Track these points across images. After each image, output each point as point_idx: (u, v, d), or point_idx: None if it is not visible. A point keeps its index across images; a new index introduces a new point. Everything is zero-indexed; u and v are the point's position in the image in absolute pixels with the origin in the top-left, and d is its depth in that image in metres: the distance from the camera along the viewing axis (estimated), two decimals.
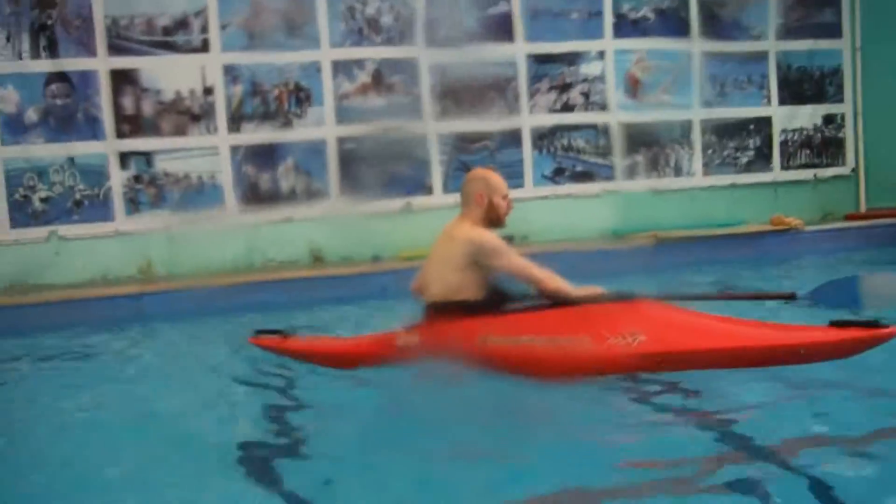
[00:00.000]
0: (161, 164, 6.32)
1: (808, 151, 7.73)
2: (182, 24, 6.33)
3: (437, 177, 6.75)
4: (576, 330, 2.96)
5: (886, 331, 2.73)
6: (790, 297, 3.46)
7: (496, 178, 3.33)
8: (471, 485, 2.06)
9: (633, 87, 7.22)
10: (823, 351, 2.81)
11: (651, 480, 2.06)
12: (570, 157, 7.09)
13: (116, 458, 2.46)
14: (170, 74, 6.31)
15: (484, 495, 2.01)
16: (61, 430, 2.88)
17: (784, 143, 7.65)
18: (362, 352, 3.37)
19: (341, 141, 6.57)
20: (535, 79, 6.98)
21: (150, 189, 6.31)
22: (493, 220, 3.27)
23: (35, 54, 6.09)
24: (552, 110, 7.02)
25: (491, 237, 3.21)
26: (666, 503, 1.93)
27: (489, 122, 6.80)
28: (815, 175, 7.74)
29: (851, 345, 2.78)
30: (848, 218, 7.41)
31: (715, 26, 7.35)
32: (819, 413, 2.49)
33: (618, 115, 7.15)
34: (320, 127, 6.55)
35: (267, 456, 2.43)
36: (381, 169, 6.55)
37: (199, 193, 6.38)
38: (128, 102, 6.27)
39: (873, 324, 2.77)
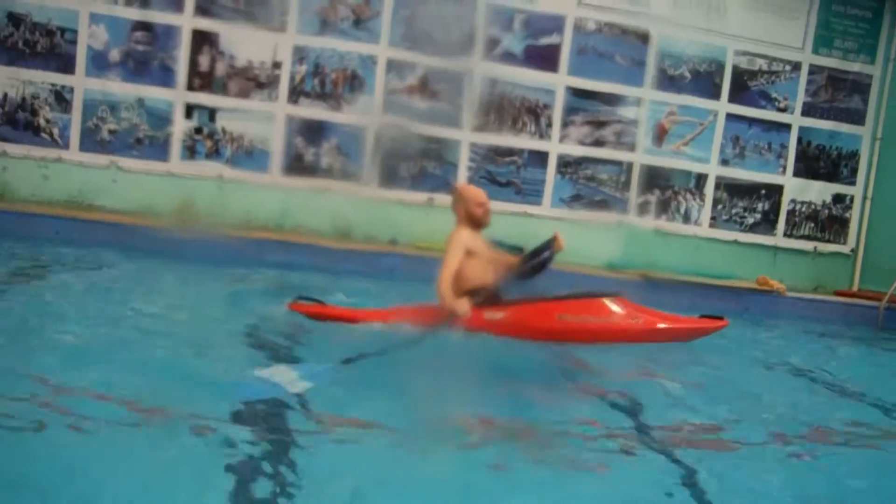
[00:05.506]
0: (221, 121, 6.99)
1: (812, 224, 8.18)
2: (264, 0, 6.98)
3: (462, 180, 7.33)
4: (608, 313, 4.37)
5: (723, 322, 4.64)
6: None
7: (471, 192, 4.46)
8: None
9: (660, 136, 7.74)
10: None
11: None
12: (590, 187, 7.62)
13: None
14: (246, 44, 6.97)
15: None
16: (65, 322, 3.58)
17: (791, 213, 8.11)
18: (407, 318, 4.13)
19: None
20: (571, 110, 7.52)
21: (207, 141, 6.99)
22: (475, 222, 4.35)
23: (128, 1, 6.78)
24: (583, 143, 7.57)
25: (453, 233, 4.24)
26: None
27: (519, 141, 7.39)
28: (815, 248, 8.17)
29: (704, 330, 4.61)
30: (836, 293, 7.85)
31: (744, 93, 7.86)
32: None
33: (642, 156, 7.70)
34: (367, 115, 7.16)
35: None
36: (413, 163, 7.18)
37: (249, 153, 7.04)
38: (203, 60, 6.94)
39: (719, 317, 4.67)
